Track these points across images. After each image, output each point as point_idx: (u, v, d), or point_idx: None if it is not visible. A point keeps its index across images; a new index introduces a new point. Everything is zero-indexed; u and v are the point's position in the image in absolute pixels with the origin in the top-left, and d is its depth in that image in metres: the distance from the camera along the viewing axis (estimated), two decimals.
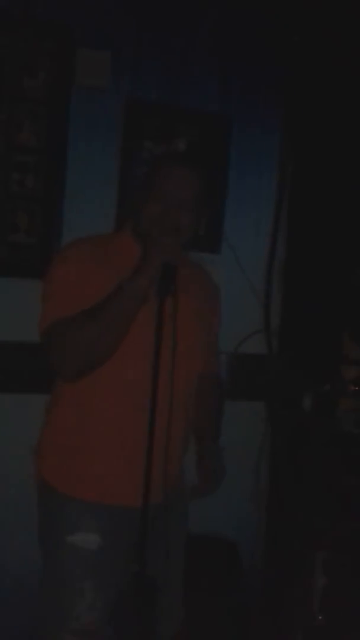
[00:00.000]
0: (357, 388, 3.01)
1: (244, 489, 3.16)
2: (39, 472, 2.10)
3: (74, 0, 2.81)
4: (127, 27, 2.91)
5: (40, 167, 2.80)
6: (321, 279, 3.11)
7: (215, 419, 2.28)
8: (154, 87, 2.98)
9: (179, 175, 2.02)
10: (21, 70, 2.75)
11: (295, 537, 2.86)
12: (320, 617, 2.73)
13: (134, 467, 1.86)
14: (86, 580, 1.99)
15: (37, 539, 2.10)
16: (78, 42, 2.81)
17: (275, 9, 3.04)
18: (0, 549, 2.83)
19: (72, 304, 1.91)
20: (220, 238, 3.13)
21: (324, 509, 2.80)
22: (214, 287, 2.31)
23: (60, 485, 2.03)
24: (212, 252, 3.07)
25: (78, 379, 1.94)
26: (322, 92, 3.06)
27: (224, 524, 3.03)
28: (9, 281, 2.79)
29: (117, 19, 2.88)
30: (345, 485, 2.80)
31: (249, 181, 3.18)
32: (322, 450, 2.91)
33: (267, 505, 3.23)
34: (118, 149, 2.93)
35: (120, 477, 1.97)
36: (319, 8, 2.97)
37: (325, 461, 2.88)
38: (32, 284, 2.62)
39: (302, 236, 3.19)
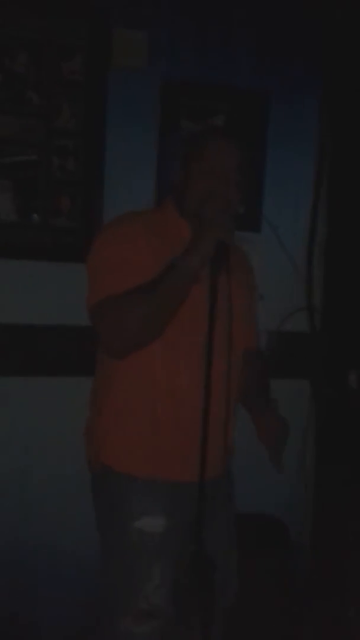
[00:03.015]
0: None
1: (290, 467, 3.15)
2: (96, 459, 2.06)
3: None
4: (162, 6, 2.88)
5: (79, 150, 2.79)
6: None
7: (265, 386, 2.25)
8: (190, 65, 2.95)
9: (226, 149, 2.00)
10: (58, 54, 2.74)
11: (344, 514, 2.86)
12: None
13: (195, 441, 1.82)
14: (154, 562, 1.99)
15: (97, 526, 2.09)
16: (114, 23, 2.79)
17: None
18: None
19: (122, 280, 1.87)
20: (260, 216, 3.11)
21: None
22: (247, 260, 2.31)
23: (124, 467, 2.01)
24: (252, 231, 3.06)
25: (125, 355, 1.92)
26: None
27: (271, 503, 3.03)
28: (52, 266, 2.79)
29: None
30: None
31: (287, 158, 3.14)
32: None
33: (314, 483, 3.22)
34: (156, 129, 2.91)
35: (182, 452, 1.96)
36: None
37: None
38: (75, 267, 2.65)
39: (342, 212, 3.17)
